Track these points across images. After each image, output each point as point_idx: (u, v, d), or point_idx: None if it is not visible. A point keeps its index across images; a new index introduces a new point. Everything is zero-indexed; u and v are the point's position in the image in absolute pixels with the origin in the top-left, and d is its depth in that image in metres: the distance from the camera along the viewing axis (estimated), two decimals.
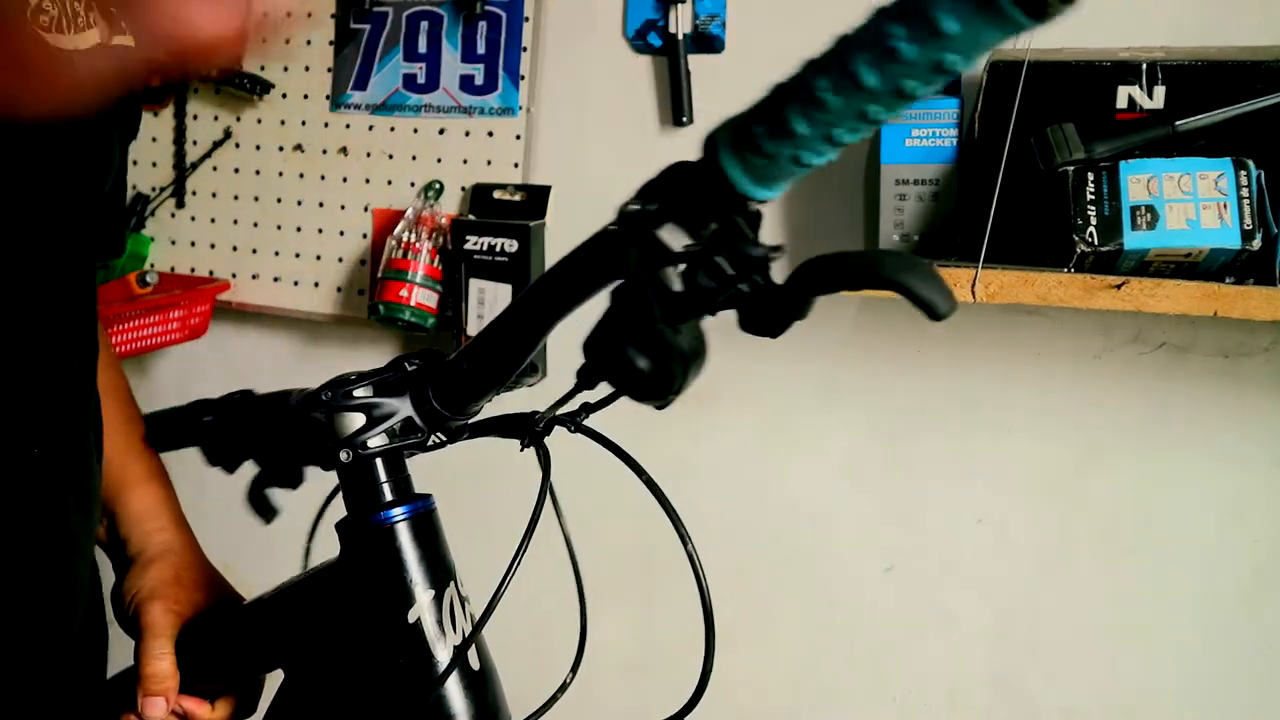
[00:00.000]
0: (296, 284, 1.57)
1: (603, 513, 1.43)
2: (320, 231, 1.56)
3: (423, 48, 1.48)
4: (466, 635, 0.63)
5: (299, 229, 1.57)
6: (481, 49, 1.45)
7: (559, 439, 0.65)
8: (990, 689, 1.32)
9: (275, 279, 1.59)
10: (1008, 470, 1.28)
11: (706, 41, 1.35)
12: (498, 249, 1.39)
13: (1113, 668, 1.27)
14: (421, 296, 1.42)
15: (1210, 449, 1.21)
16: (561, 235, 1.43)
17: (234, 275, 1.61)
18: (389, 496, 0.63)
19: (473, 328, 1.41)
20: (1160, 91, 1.04)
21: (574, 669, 0.67)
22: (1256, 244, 0.97)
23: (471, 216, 1.44)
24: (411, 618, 0.61)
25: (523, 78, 1.43)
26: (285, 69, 1.56)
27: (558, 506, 0.66)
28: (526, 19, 1.42)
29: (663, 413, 1.53)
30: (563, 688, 0.66)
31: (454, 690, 0.61)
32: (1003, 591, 1.30)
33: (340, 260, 1.55)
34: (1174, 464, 1.22)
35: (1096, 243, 0.98)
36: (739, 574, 1.40)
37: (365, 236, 1.53)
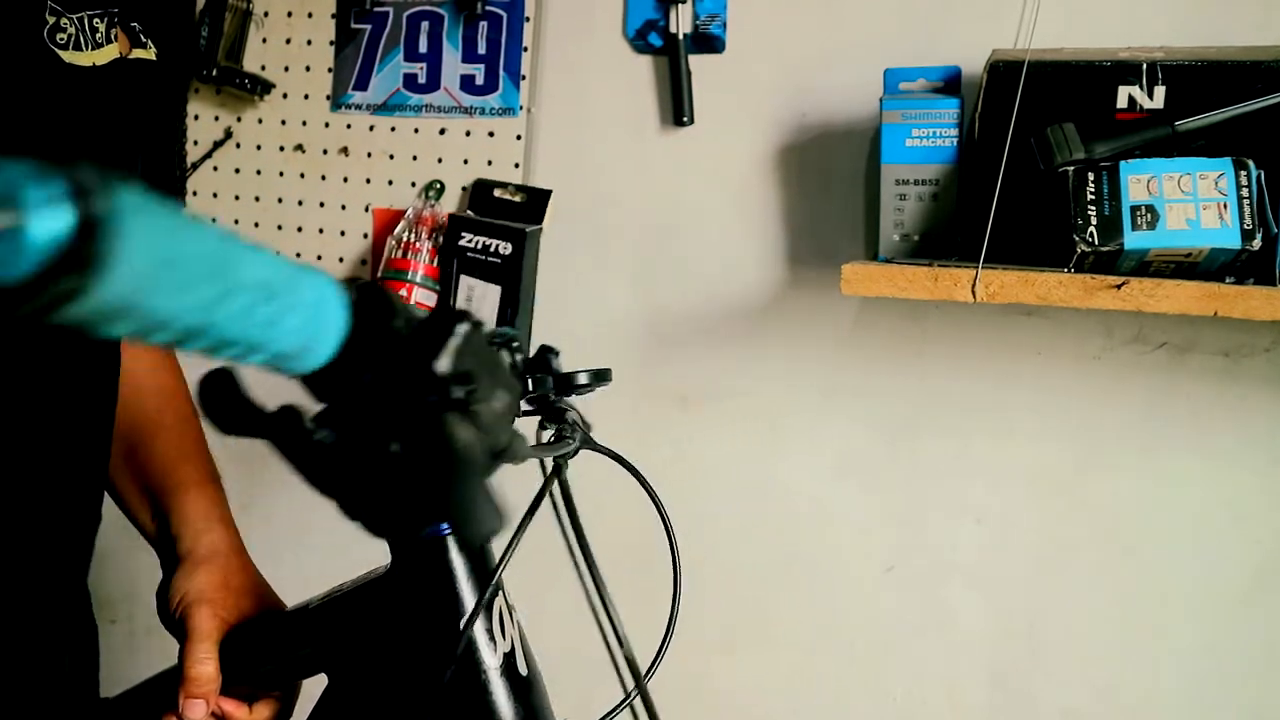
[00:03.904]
0: None
1: (602, 512, 1.43)
2: (321, 231, 1.56)
3: (423, 48, 1.48)
4: (516, 643, 0.65)
5: (299, 229, 1.57)
6: (482, 49, 1.45)
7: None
8: (990, 689, 1.32)
9: None
10: (1008, 470, 1.28)
11: (707, 41, 1.35)
12: (492, 249, 1.39)
13: (1113, 667, 1.27)
14: (421, 296, 1.42)
15: (1210, 449, 1.21)
16: (560, 234, 1.43)
17: None
18: None
19: None
20: (1160, 91, 1.04)
21: (645, 676, 0.69)
22: (1256, 244, 0.97)
23: (470, 213, 1.44)
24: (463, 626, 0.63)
25: (523, 78, 1.43)
26: (286, 69, 1.56)
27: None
28: (527, 19, 1.42)
29: (662, 413, 1.53)
30: (625, 699, 0.68)
31: (502, 697, 0.63)
32: (1003, 591, 1.30)
33: (341, 260, 1.55)
34: (1174, 464, 1.22)
35: (1096, 243, 0.98)
36: (738, 574, 1.40)
37: (366, 236, 1.53)
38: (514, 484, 0.60)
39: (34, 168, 0.31)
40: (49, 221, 0.30)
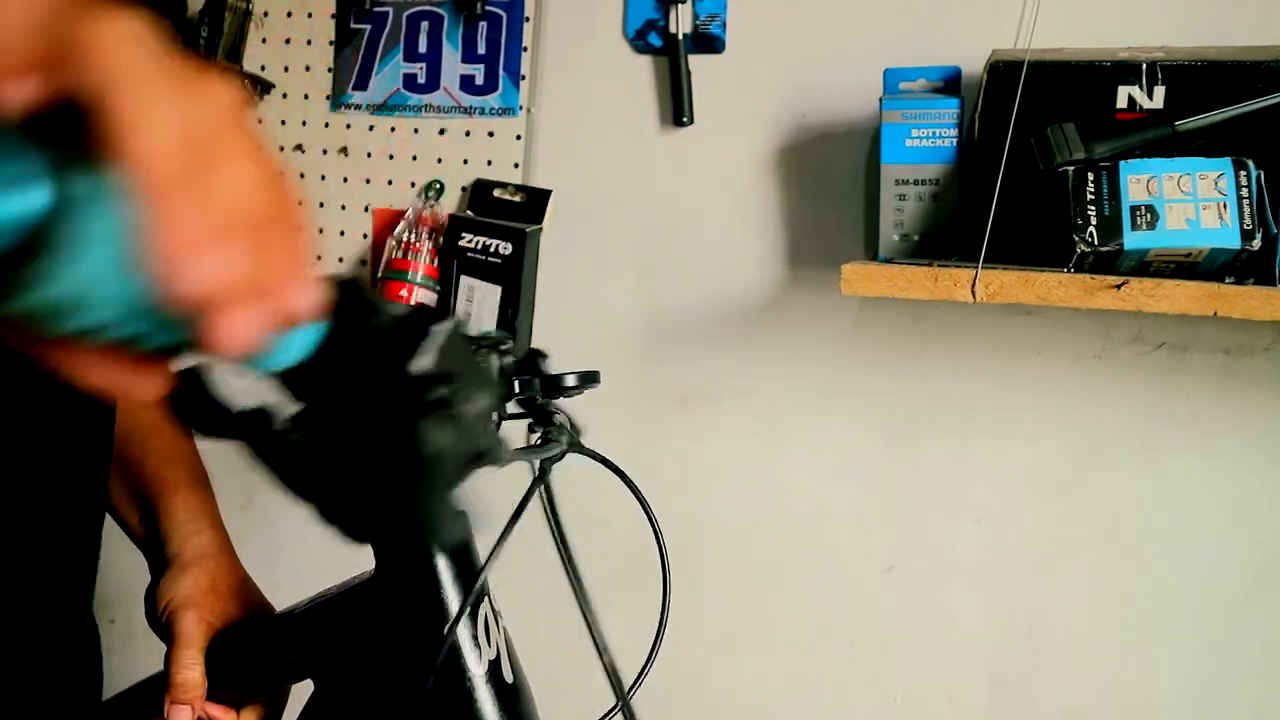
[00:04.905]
0: None
1: (599, 515, 1.43)
2: (321, 231, 1.56)
3: (423, 48, 1.48)
4: (501, 650, 0.64)
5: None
6: (482, 49, 1.45)
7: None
8: (990, 689, 1.32)
9: None
10: (1008, 470, 1.28)
11: (706, 41, 1.35)
12: (492, 249, 1.39)
13: (1113, 667, 1.27)
14: (421, 296, 1.42)
15: (1210, 449, 1.21)
16: (560, 234, 1.43)
17: None
18: None
19: None
20: (1160, 91, 1.04)
21: (634, 685, 0.69)
22: (1256, 244, 0.97)
23: (469, 213, 1.44)
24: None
25: (523, 78, 1.43)
26: (285, 69, 1.56)
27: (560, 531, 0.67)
28: (527, 19, 1.42)
29: (663, 413, 1.52)
30: (613, 709, 0.67)
31: (486, 704, 0.62)
32: (1003, 591, 1.30)
33: (341, 260, 1.55)
34: (1174, 464, 1.22)
35: (1096, 243, 0.98)
36: (738, 574, 1.40)
37: (366, 236, 1.53)
38: (501, 488, 0.59)
39: (10, 141, 0.28)
40: (25, 199, 0.28)
